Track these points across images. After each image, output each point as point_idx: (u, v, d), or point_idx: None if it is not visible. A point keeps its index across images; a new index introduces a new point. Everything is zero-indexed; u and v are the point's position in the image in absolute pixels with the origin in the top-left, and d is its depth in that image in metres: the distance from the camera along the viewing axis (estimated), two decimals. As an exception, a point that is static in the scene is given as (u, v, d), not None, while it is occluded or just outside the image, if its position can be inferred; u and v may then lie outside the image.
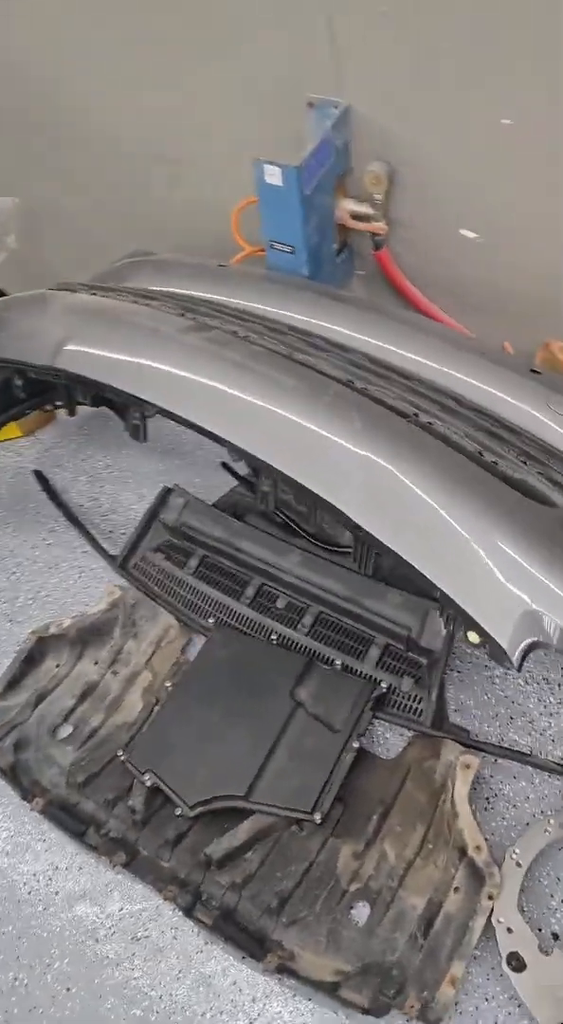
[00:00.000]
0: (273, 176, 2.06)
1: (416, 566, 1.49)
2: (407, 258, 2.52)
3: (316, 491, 1.60)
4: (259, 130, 2.33)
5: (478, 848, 1.60)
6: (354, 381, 1.72)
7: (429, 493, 1.51)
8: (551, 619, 1.38)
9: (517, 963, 1.47)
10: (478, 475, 1.54)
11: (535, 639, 1.40)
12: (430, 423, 1.63)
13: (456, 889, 1.60)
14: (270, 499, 1.83)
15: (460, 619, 1.48)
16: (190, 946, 1.65)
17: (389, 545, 1.52)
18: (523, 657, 1.41)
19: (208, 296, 2.12)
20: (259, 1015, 1.55)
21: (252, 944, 1.59)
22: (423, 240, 2.44)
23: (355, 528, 1.57)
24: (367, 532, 1.54)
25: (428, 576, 1.48)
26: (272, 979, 1.58)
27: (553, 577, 1.40)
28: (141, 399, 1.84)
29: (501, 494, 1.51)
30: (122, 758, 1.84)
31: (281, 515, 2.17)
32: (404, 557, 1.51)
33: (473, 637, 1.46)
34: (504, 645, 1.40)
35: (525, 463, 1.59)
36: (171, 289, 2.19)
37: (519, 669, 1.41)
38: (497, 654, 1.42)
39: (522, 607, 1.40)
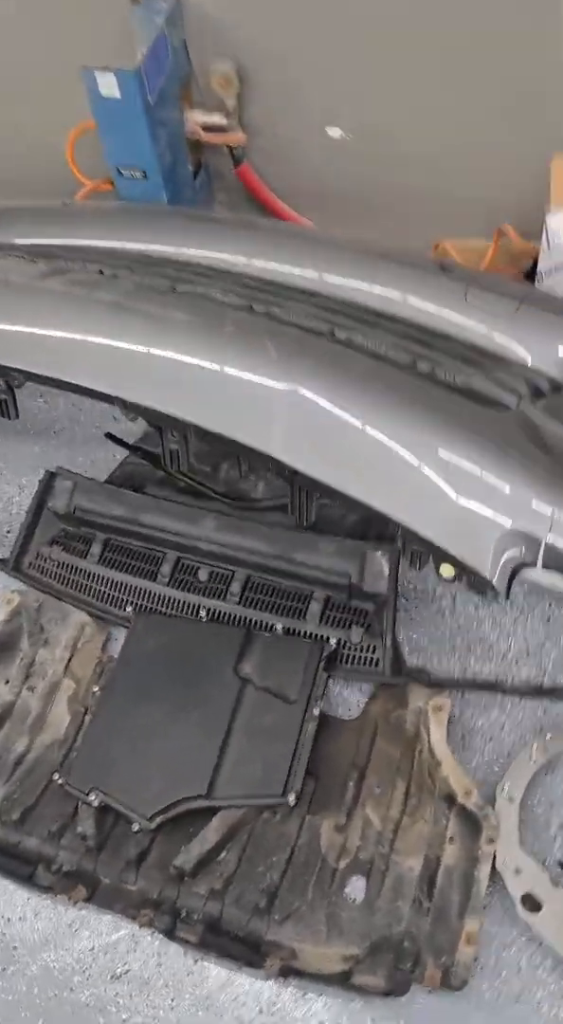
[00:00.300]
0: (108, 86, 1.87)
1: (370, 503, 1.41)
2: (272, 171, 2.39)
3: (239, 439, 1.48)
4: (81, 37, 2.11)
5: (468, 792, 1.58)
6: (253, 306, 1.59)
7: (370, 419, 1.41)
8: (533, 536, 1.32)
9: (532, 904, 1.47)
10: (419, 388, 1.46)
11: (519, 561, 1.34)
12: (349, 339, 1.53)
13: (451, 840, 1.58)
14: (181, 458, 1.70)
15: (429, 554, 1.41)
16: (179, 969, 1.56)
17: (334, 487, 1.43)
18: (509, 583, 1.35)
19: (58, 242, 1.92)
20: (270, 1025, 1.49)
21: (247, 951, 1.52)
22: (287, 147, 2.31)
23: (291, 474, 1.46)
24: (306, 476, 1.44)
25: (385, 512, 1.40)
26: (277, 984, 1.51)
27: (526, 489, 1.34)
28: (4, 367, 1.65)
29: (449, 405, 1.43)
30: (59, 782, 1.71)
31: (184, 479, 2.03)
32: (354, 496, 1.41)
33: (446, 571, 1.40)
34: (485, 574, 1.34)
35: (464, 367, 1.51)
36: (11, 240, 1.97)
37: (507, 597, 1.35)
38: (478, 585, 1.36)
39: (499, 528, 1.34)
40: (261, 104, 2.21)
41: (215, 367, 1.50)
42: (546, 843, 1.61)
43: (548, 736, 1.69)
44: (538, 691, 1.80)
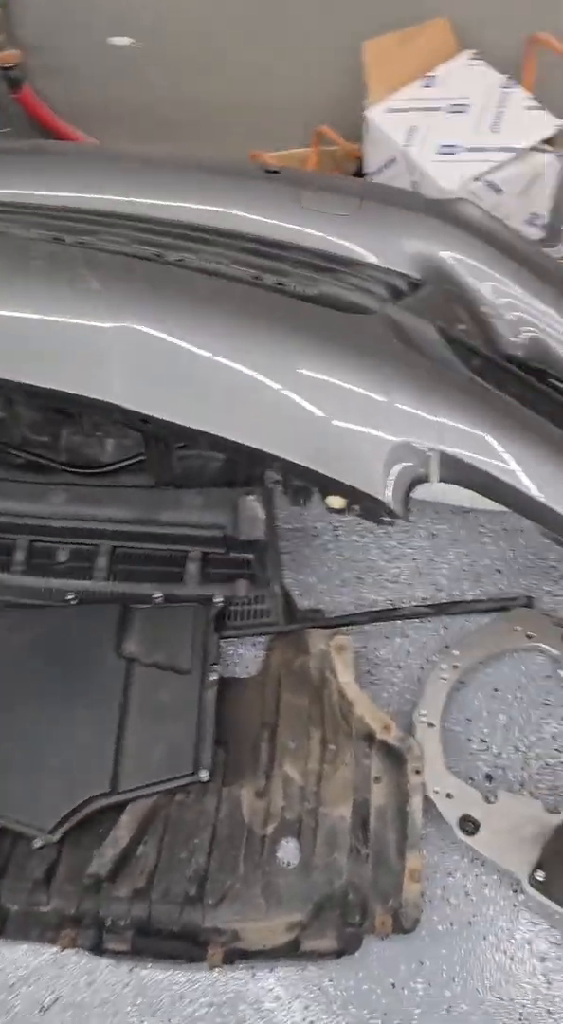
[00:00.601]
0: None
1: (238, 440, 1.32)
2: (56, 92, 2.22)
3: (73, 392, 1.35)
4: None
5: (386, 727, 1.58)
6: (63, 237, 1.44)
7: (221, 344, 1.32)
8: (422, 445, 1.28)
9: (471, 825, 1.49)
10: (270, 303, 1.37)
11: (413, 476, 1.30)
12: (182, 261, 1.42)
13: (377, 779, 1.57)
14: (11, 429, 1.55)
15: (313, 487, 1.35)
16: (115, 983, 1.50)
17: (194, 427, 1.33)
18: (405, 500, 1.31)
19: None
20: (223, 1016, 1.44)
21: (186, 946, 1.47)
22: (69, 62, 2.15)
23: (142, 422, 1.36)
24: (159, 421, 1.34)
25: (257, 447, 1.32)
26: (223, 971, 1.47)
27: (408, 396, 1.29)
28: None
29: (307, 316, 1.35)
30: None
31: (21, 453, 1.89)
32: (218, 435, 1.32)
33: (335, 502, 1.34)
34: (379, 496, 1.29)
35: (314, 275, 1.43)
36: None
37: (406, 518, 1.31)
38: (372, 510, 1.31)
39: (385, 444, 1.29)
40: (34, 15, 2.03)
41: (29, 312, 1.35)
42: (471, 760, 1.64)
43: (455, 652, 1.71)
44: (436, 609, 1.82)
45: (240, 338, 1.33)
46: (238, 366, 1.31)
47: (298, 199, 1.52)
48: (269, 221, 1.50)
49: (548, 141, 2.00)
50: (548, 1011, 1.41)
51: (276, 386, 1.31)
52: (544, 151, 1.99)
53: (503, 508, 1.94)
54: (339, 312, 1.38)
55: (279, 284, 1.41)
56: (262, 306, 1.37)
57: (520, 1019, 1.41)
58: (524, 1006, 1.42)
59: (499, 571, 1.92)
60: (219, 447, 1.36)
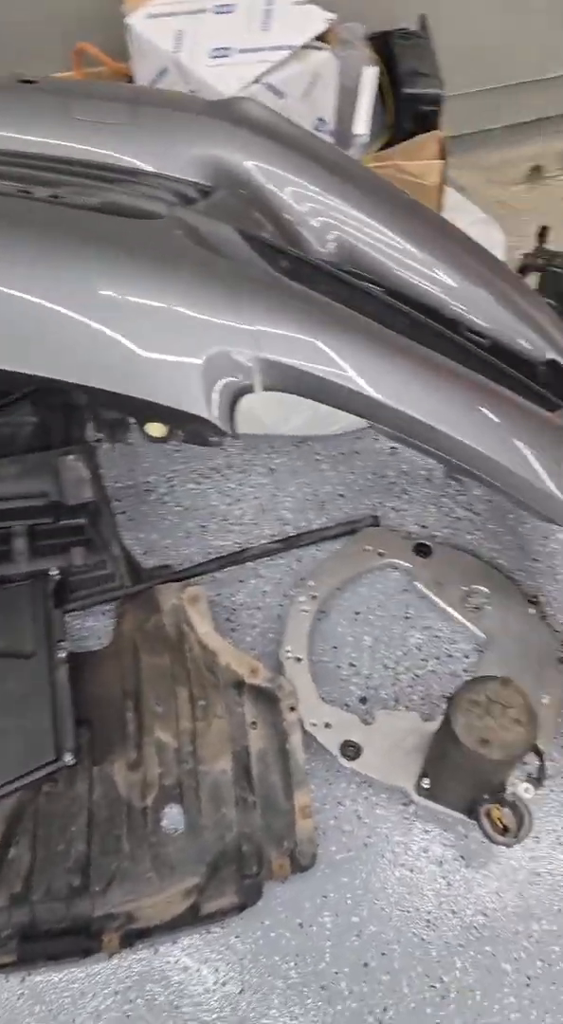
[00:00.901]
0: None
1: (32, 372, 1.24)
2: None
3: None
4: None
5: (254, 671, 1.59)
6: None
7: None
8: (239, 354, 1.24)
9: (352, 750, 1.53)
10: (45, 216, 1.28)
11: (237, 387, 1.26)
12: None
13: (253, 725, 1.58)
14: None
15: (129, 416, 1.29)
16: (7, 998, 1.44)
17: None
18: (231, 415, 1.27)
19: None
20: (131, 1001, 1.42)
21: (77, 941, 1.43)
22: None
23: None
24: None
25: (53, 376, 1.23)
26: (122, 956, 1.45)
27: (212, 303, 1.24)
28: None
29: (88, 226, 1.27)
30: None
31: None
32: (5, 368, 1.24)
33: (156, 430, 1.28)
34: (204, 413, 1.24)
35: (94, 185, 1.36)
36: None
37: (236, 435, 1.28)
38: (197, 432, 1.26)
39: (199, 357, 1.23)
40: None
41: None
42: (343, 687, 1.68)
43: (311, 583, 1.74)
44: (286, 544, 1.84)
45: (13, 256, 1.24)
46: (15, 290, 1.23)
47: (64, 110, 1.43)
48: (32, 138, 1.40)
49: (322, 38, 2.00)
50: (452, 911, 1.49)
51: (63, 306, 1.23)
52: (320, 48, 1.99)
53: (337, 432, 1.99)
54: (125, 219, 1.31)
55: (53, 196, 1.32)
56: (34, 218, 1.28)
57: (428, 925, 1.47)
58: (430, 912, 1.49)
59: (342, 495, 1.95)
60: (7, 383, 1.26)
